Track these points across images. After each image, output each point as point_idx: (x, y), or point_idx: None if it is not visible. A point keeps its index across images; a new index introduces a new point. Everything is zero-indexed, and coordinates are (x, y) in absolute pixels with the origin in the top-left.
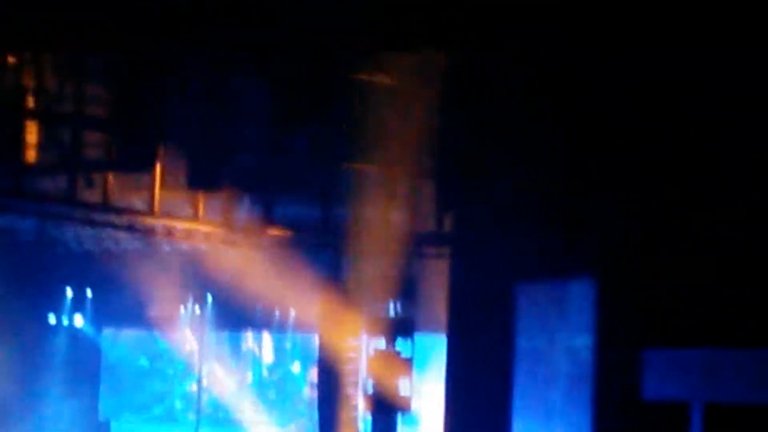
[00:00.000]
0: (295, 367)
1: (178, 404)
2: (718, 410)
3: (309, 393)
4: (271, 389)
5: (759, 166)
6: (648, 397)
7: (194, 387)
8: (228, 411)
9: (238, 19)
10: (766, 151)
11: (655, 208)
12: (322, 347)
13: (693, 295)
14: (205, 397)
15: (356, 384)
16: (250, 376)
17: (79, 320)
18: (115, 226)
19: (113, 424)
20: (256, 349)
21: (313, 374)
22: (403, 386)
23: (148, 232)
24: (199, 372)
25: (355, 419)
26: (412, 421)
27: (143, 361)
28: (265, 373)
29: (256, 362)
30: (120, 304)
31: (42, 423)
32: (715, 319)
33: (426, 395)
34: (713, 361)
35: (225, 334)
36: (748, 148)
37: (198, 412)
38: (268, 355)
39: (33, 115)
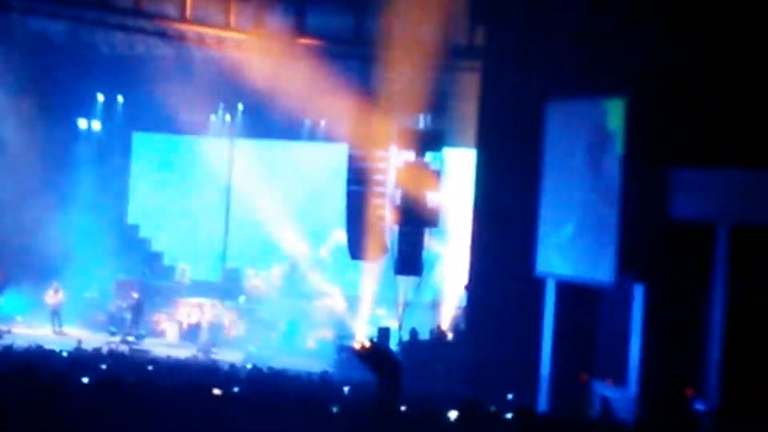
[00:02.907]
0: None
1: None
2: (744, 231)
3: None
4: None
5: None
6: (675, 216)
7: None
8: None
9: None
10: None
11: (690, 30)
12: (351, 158)
13: (721, 117)
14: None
15: (385, 195)
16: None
17: (108, 124)
18: (146, 32)
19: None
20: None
21: None
22: (432, 199)
23: (180, 39)
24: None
25: (383, 230)
26: (440, 235)
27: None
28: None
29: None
30: (150, 110)
31: (72, 225)
32: (744, 140)
33: (452, 209)
34: (741, 181)
35: (254, 143)
36: None
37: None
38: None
39: None
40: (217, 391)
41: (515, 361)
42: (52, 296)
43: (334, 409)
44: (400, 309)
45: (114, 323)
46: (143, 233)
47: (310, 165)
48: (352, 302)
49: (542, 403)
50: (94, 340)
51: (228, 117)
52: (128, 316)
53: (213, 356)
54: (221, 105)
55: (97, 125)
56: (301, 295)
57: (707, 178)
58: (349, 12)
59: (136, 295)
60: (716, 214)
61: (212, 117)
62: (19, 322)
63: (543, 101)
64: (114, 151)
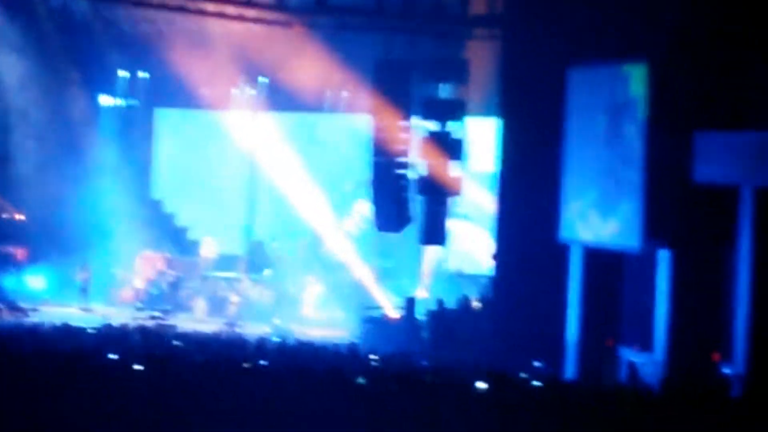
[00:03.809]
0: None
1: None
2: None
3: None
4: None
5: None
6: (699, 180)
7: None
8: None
9: None
10: None
11: None
12: (374, 129)
13: (744, 80)
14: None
15: (408, 166)
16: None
17: (131, 100)
18: (167, 7)
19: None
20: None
21: None
22: (454, 168)
23: (200, 13)
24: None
25: (407, 201)
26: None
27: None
28: None
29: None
30: (172, 85)
31: (95, 197)
32: (767, 102)
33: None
34: (766, 143)
35: (276, 115)
36: None
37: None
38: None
39: None
40: (246, 365)
41: (542, 329)
42: (79, 273)
43: (361, 381)
44: (426, 279)
45: (140, 299)
46: (167, 208)
47: (332, 137)
48: (378, 273)
49: (569, 369)
50: (121, 316)
51: (250, 90)
52: (156, 292)
53: (240, 330)
54: (243, 78)
55: (119, 101)
56: (326, 266)
57: (730, 142)
58: None
59: (173, 272)
60: (740, 177)
61: (234, 91)
62: (45, 300)
63: (565, 68)
64: (136, 127)
